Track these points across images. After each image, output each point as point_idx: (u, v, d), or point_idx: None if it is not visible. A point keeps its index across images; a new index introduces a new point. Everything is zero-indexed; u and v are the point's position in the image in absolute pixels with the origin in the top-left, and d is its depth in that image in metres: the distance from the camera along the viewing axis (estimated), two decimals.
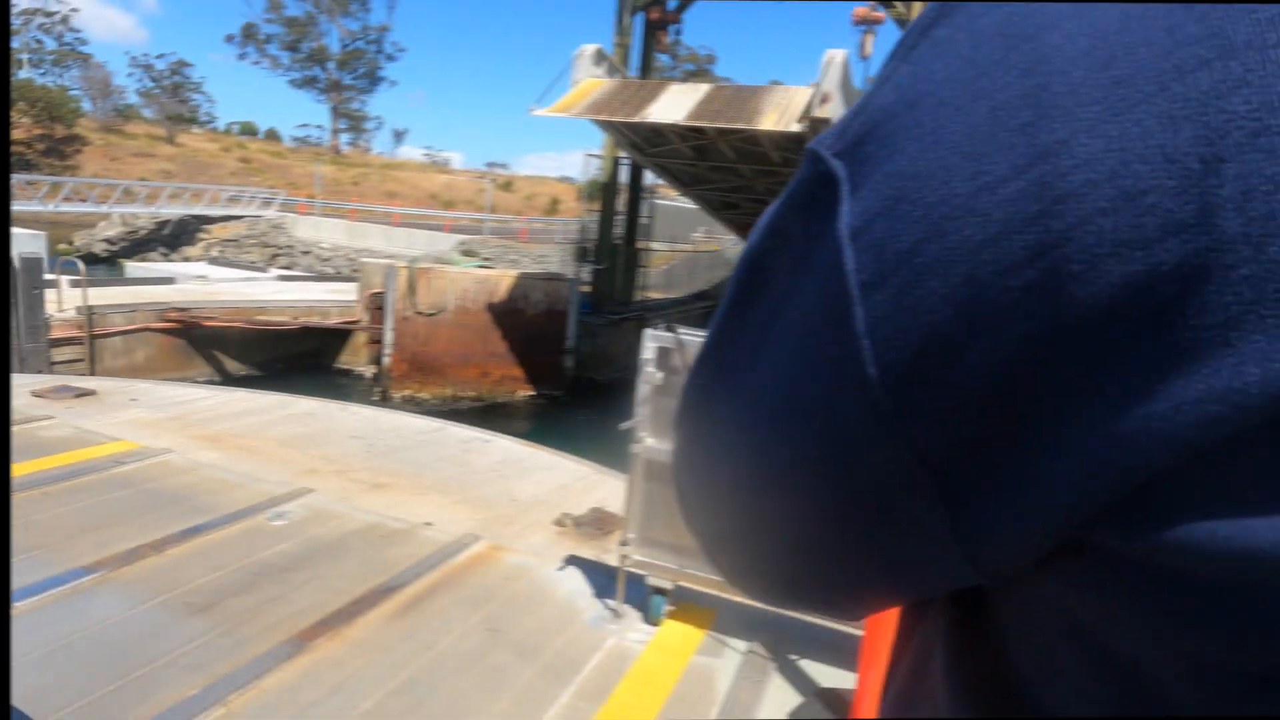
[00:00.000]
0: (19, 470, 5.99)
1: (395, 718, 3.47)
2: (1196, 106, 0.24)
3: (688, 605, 4.68)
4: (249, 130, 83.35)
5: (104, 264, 32.68)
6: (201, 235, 37.44)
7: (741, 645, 4.36)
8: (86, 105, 60.66)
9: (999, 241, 0.27)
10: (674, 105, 12.92)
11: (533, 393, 18.36)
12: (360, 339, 18.15)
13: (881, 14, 18.88)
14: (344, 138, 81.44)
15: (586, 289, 20.18)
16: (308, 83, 77.08)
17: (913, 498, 0.32)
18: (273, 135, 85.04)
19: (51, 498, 5.57)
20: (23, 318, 12.35)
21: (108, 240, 35.71)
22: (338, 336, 18.18)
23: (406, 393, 17.07)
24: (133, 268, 23.71)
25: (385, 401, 15.65)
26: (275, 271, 26.80)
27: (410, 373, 17.39)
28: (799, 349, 0.35)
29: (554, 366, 18.46)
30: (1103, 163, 0.25)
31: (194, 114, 78.56)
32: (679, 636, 4.41)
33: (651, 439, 4.13)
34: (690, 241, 37.15)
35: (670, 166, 18.09)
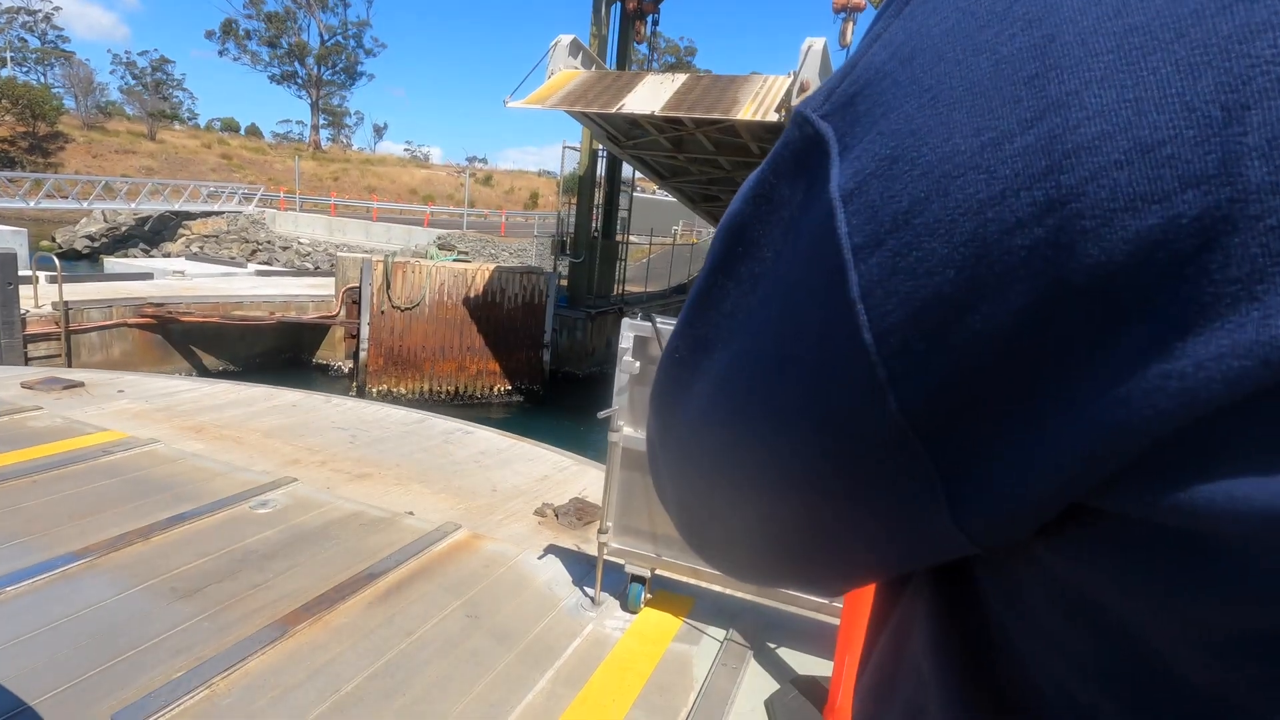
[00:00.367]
0: (8, 459, 6.04)
1: (376, 700, 3.53)
2: (1218, 52, 0.23)
3: (666, 593, 4.77)
4: (230, 126, 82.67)
5: (86, 260, 32.46)
6: (182, 231, 37.03)
7: (719, 632, 4.43)
8: (69, 103, 60.20)
9: (1005, 198, 0.26)
10: (650, 96, 12.66)
11: (510, 387, 18.26)
12: (337, 334, 18.04)
13: (862, 0, 18.72)
14: (324, 133, 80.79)
15: (564, 283, 20.00)
16: (287, 78, 76.44)
17: (904, 467, 0.31)
18: (254, 131, 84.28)
19: (41, 486, 5.62)
20: None
21: (89, 237, 35.37)
22: (315, 331, 18.07)
23: (383, 387, 17.01)
24: (111, 263, 23.35)
25: (361, 397, 15.63)
26: (253, 266, 26.50)
27: (386, 367, 17.30)
28: (785, 317, 0.34)
29: (531, 361, 18.35)
30: (1116, 114, 0.24)
31: (176, 111, 77.96)
32: (657, 624, 4.48)
33: (629, 428, 4.19)
34: (669, 234, 36.94)
35: (648, 159, 17.85)
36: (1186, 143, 0.23)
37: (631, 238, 23.71)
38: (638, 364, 4.09)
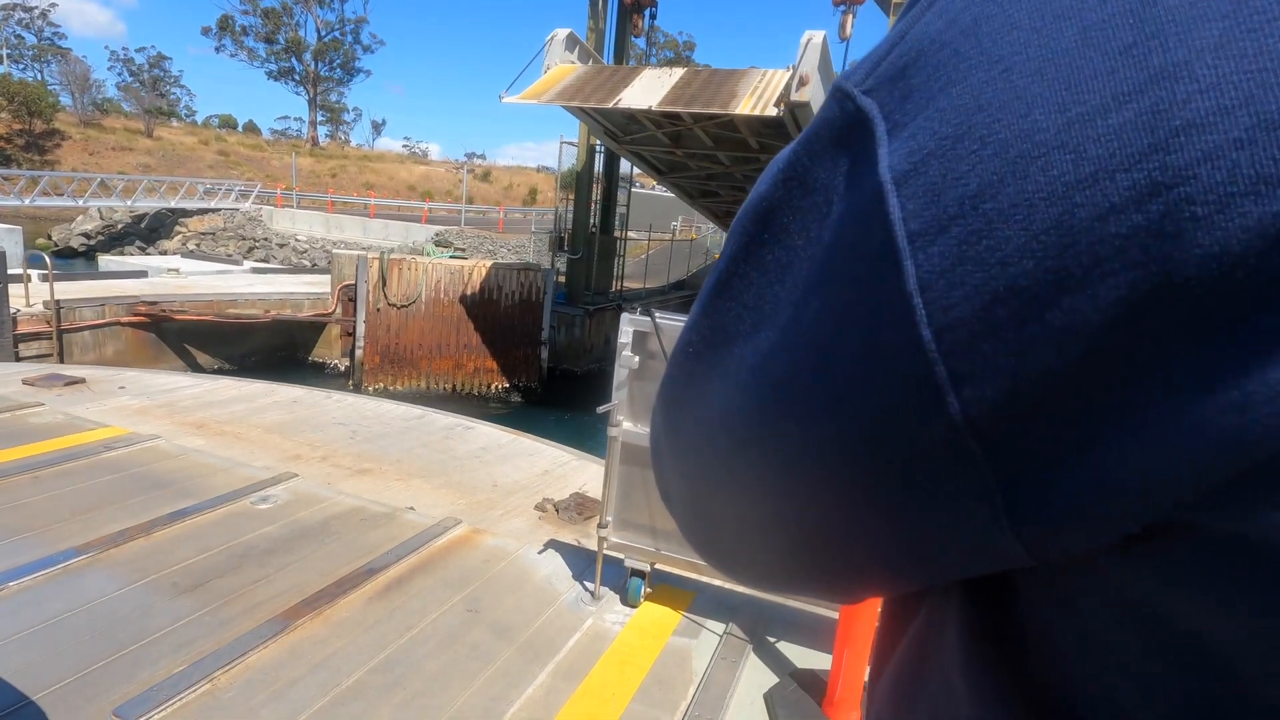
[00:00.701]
0: (11, 455, 6.06)
1: (376, 694, 3.55)
2: None
3: (666, 587, 4.78)
4: (228, 123, 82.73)
5: (82, 258, 32.47)
6: (179, 229, 36.99)
7: (719, 626, 4.44)
8: (66, 100, 60.20)
9: (1099, 181, 0.23)
10: (648, 91, 12.46)
11: (507, 385, 18.18)
12: (333, 332, 17.87)
13: None
14: (322, 130, 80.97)
15: (562, 279, 19.90)
16: (284, 75, 76.44)
17: (959, 474, 0.28)
18: (251, 128, 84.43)
19: (42, 482, 5.64)
20: None
21: (85, 234, 35.35)
22: (310, 329, 17.89)
23: (379, 385, 16.91)
24: (106, 261, 23.26)
25: (358, 394, 15.55)
26: (249, 264, 26.38)
27: (383, 365, 17.23)
28: (822, 310, 0.32)
29: (529, 358, 18.28)
30: (1236, 86, 0.22)
31: (173, 108, 78.00)
32: (657, 618, 4.50)
33: (629, 423, 4.19)
34: (668, 230, 36.87)
35: (646, 154, 17.70)
36: None
37: (630, 234, 23.60)
38: (637, 359, 4.09)
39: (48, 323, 13.28)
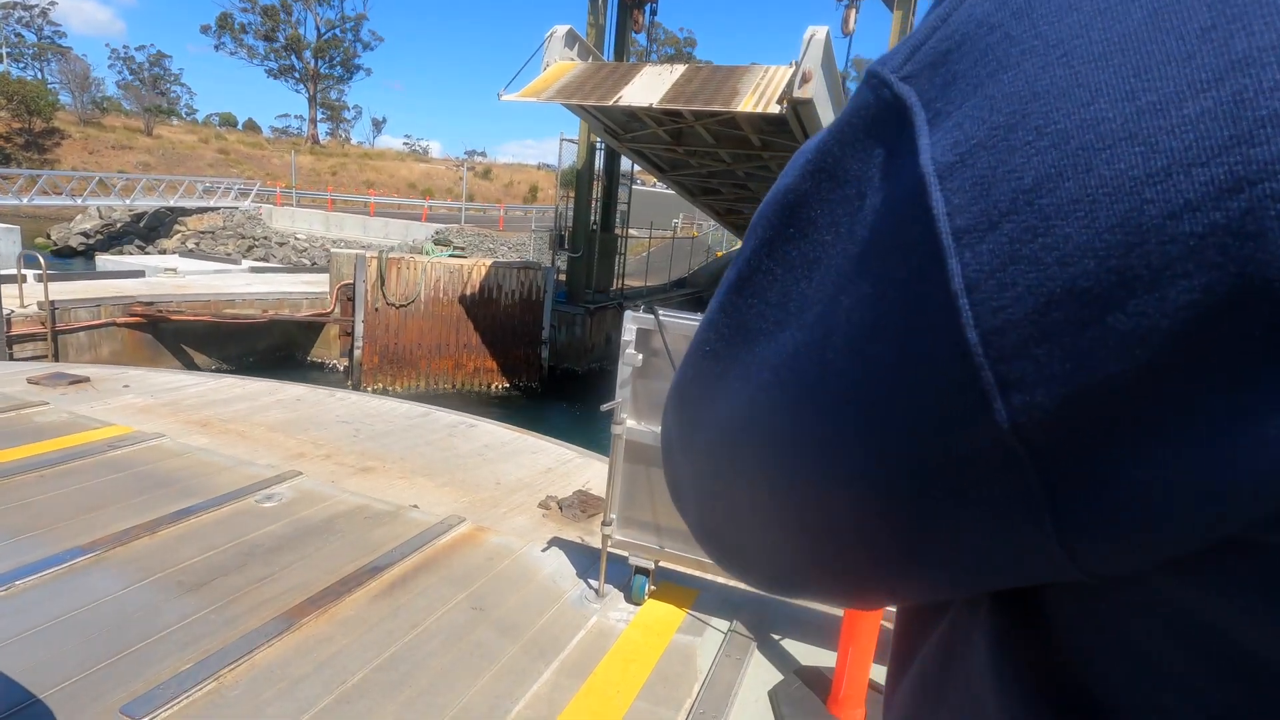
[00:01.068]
0: (16, 454, 6.08)
1: (381, 692, 3.56)
2: None
3: (670, 585, 4.78)
4: (228, 121, 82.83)
5: (81, 257, 32.43)
6: (178, 228, 36.86)
7: (723, 624, 4.45)
8: (66, 99, 60.24)
9: (1172, 175, 0.22)
10: (648, 88, 12.33)
11: (507, 384, 18.07)
12: (331, 332, 17.70)
13: None
14: (323, 128, 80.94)
15: (562, 278, 19.78)
16: (285, 72, 76.41)
17: (1005, 482, 0.27)
18: (252, 126, 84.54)
19: (48, 480, 5.65)
20: None
21: (84, 233, 35.31)
22: (309, 329, 17.71)
23: (378, 386, 16.75)
24: (103, 260, 22.89)
25: (361, 392, 15.41)
26: (248, 263, 26.11)
27: (382, 365, 17.13)
28: (856, 309, 0.30)
29: (529, 358, 18.19)
30: None
31: (173, 106, 78.09)
32: (661, 615, 4.50)
33: (633, 420, 4.19)
34: (670, 227, 36.76)
35: (647, 152, 17.60)
36: None
37: (631, 231, 23.49)
38: (640, 356, 4.08)
39: (42, 324, 13.14)
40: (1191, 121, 0.22)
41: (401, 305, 17.08)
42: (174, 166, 50.83)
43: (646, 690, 3.79)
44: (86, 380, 8.84)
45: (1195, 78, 0.22)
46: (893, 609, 0.52)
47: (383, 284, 16.83)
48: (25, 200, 31.34)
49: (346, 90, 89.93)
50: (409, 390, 16.91)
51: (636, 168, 21.08)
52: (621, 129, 15.99)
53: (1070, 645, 0.33)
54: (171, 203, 37.70)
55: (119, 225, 36.22)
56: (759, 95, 11.39)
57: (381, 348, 17.11)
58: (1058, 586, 0.33)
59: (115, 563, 4.51)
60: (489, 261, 18.34)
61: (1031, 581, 0.31)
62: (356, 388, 16.25)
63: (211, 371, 14.68)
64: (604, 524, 4.43)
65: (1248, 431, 0.22)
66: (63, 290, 14.29)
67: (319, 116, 79.25)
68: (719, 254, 36.48)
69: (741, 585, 4.74)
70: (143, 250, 33.21)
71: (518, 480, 6.75)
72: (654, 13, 20.22)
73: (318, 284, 18.84)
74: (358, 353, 17.04)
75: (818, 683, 3.81)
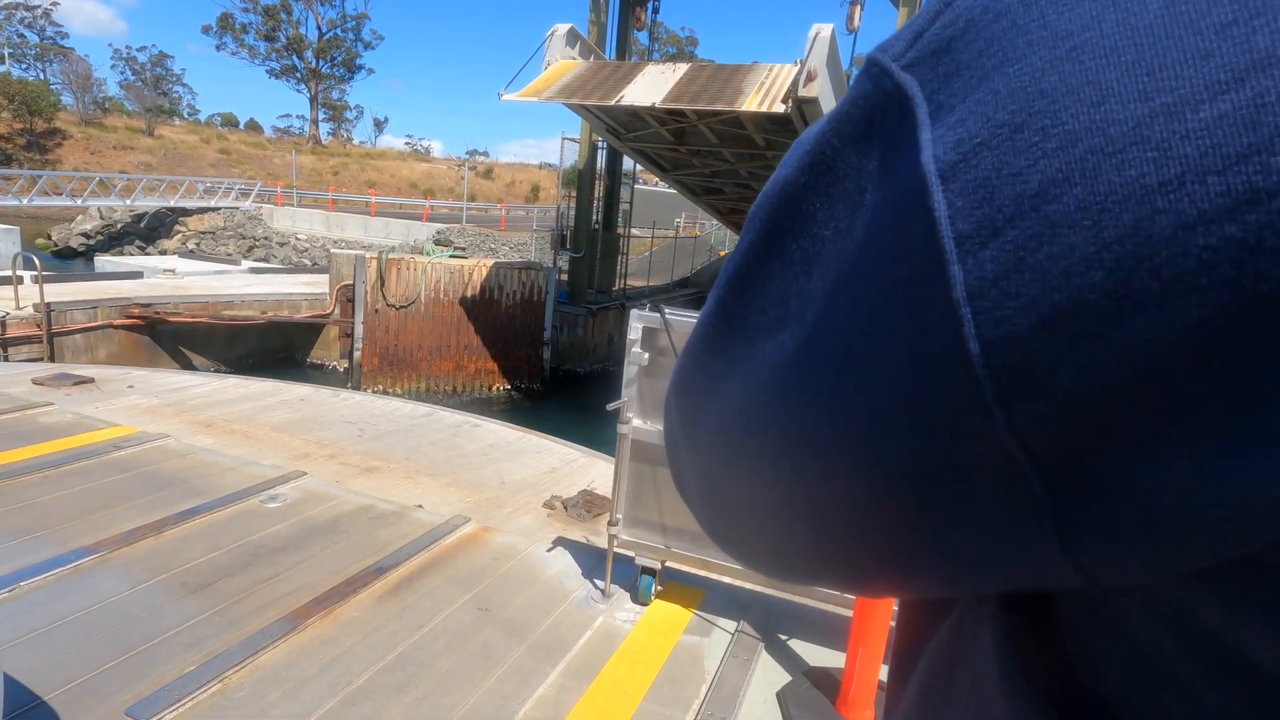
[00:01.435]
0: (20, 455, 6.08)
1: (387, 694, 3.54)
2: None
3: (676, 585, 4.77)
4: (230, 121, 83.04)
5: (81, 258, 32.45)
6: (178, 228, 36.86)
7: (730, 624, 4.43)
8: (68, 99, 60.37)
9: (1186, 184, 0.20)
10: (651, 87, 12.16)
11: (509, 386, 17.95)
12: (331, 333, 17.50)
13: None
14: (324, 127, 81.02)
15: (564, 278, 19.66)
16: (286, 72, 76.48)
17: (1007, 489, 0.26)
18: (254, 126, 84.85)
19: (52, 481, 5.65)
20: None
21: (85, 234, 35.36)
22: (308, 331, 17.50)
23: (378, 388, 16.53)
24: (102, 261, 22.68)
25: (365, 392, 15.25)
26: (247, 264, 25.92)
27: (382, 367, 17.00)
28: (855, 311, 0.29)
29: (531, 359, 18.08)
30: None
31: (175, 106, 78.27)
32: (668, 616, 4.48)
33: (639, 420, 4.18)
34: (672, 227, 36.70)
35: (649, 151, 17.43)
36: None
37: (633, 231, 23.38)
38: (646, 356, 4.08)
39: (38, 326, 12.99)
40: (1209, 126, 0.20)
41: (402, 306, 16.98)
42: (176, 167, 50.95)
43: (654, 691, 3.77)
44: (91, 381, 8.84)
45: (1213, 78, 0.20)
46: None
47: (383, 285, 16.72)
48: (25, 201, 31.37)
49: (348, 90, 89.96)
50: (409, 392, 16.72)
51: (638, 167, 20.93)
52: (624, 128, 15.88)
53: (1077, 646, 0.32)
54: (172, 203, 37.72)
55: (119, 226, 36.26)
56: (763, 94, 11.27)
57: (381, 349, 17.01)
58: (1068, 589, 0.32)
59: (120, 563, 4.50)
60: (490, 262, 18.21)
61: (1037, 587, 0.30)
62: (356, 389, 16.04)
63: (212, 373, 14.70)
64: (610, 524, 4.42)
65: (1257, 452, 0.21)
66: (59, 292, 14.17)
67: (321, 116, 79.43)
68: (721, 253, 36.45)
69: (748, 585, 4.75)
70: (143, 251, 33.20)
71: (522, 480, 6.74)
72: (656, 10, 20.09)
73: (318, 285, 18.73)
74: (357, 354, 16.94)
75: (827, 684, 3.79)
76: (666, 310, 3.99)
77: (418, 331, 17.20)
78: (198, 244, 34.36)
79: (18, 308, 12.96)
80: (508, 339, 17.80)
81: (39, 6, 70.32)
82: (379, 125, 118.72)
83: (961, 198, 0.25)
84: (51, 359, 12.82)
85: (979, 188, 0.24)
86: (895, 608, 0.48)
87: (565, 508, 6.03)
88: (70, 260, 32.22)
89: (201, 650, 3.73)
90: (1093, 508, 0.24)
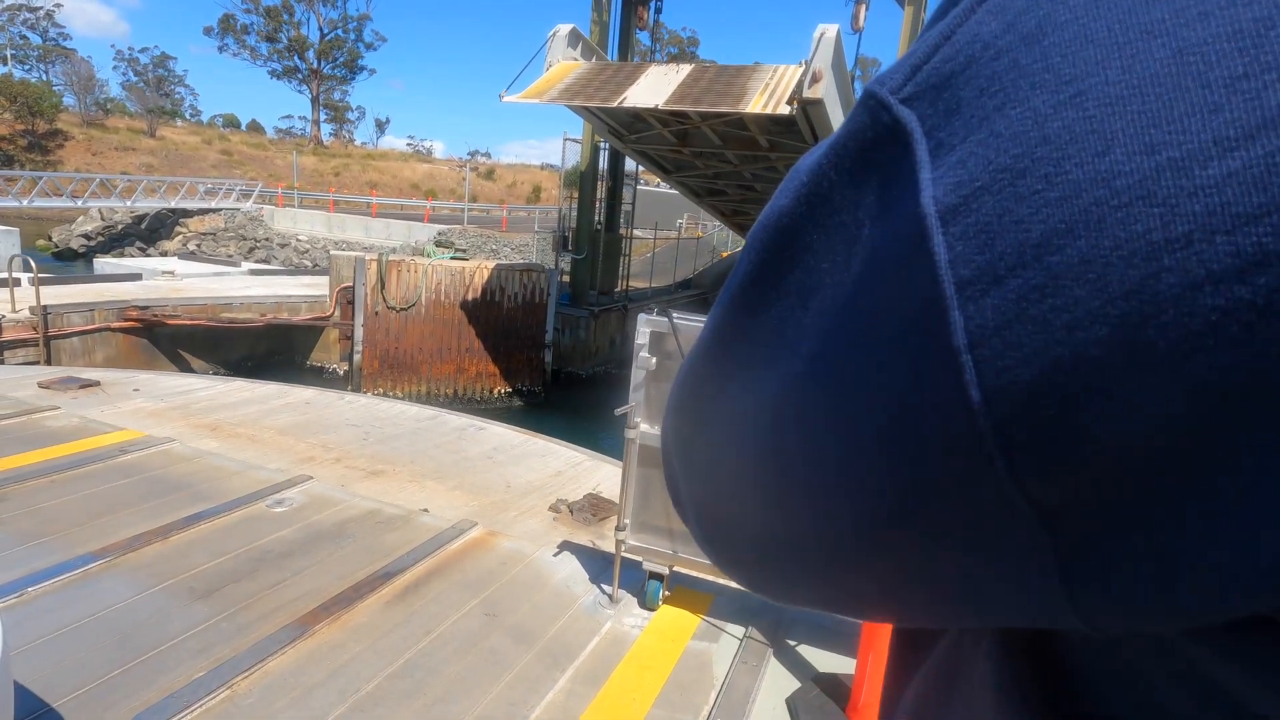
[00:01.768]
0: (28, 459, 6.08)
1: (396, 700, 3.53)
2: None
3: (684, 590, 4.75)
4: (231, 122, 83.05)
5: (82, 259, 32.31)
6: (179, 229, 36.74)
7: (738, 630, 4.41)
8: (70, 100, 60.39)
9: (1194, 243, 0.20)
10: (654, 88, 11.91)
11: (510, 389, 17.76)
12: (331, 335, 17.24)
13: None
14: (326, 128, 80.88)
15: (566, 279, 19.41)
16: (288, 73, 76.41)
17: (1010, 532, 0.25)
18: (255, 127, 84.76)
19: (59, 485, 5.65)
20: None
21: (85, 235, 35.31)
22: (308, 333, 17.25)
23: (379, 391, 16.18)
24: (101, 263, 22.55)
25: (369, 395, 15.06)
26: (247, 265, 25.68)
27: (382, 370, 16.81)
28: (853, 349, 0.28)
29: (532, 361, 17.86)
30: None
31: (177, 108, 78.30)
32: (675, 621, 4.47)
33: (646, 424, 4.17)
34: (675, 228, 36.60)
35: (652, 153, 17.16)
36: None
37: (635, 232, 23.13)
38: (654, 360, 4.08)
39: (34, 329, 12.78)
40: (1218, 183, 0.19)
41: (402, 309, 16.79)
42: (177, 168, 50.88)
43: (663, 698, 3.76)
44: (97, 384, 8.86)
45: (1222, 134, 0.19)
46: None
47: (383, 287, 16.54)
48: (26, 202, 31.33)
49: (350, 91, 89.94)
50: (410, 396, 16.56)
51: (640, 167, 20.77)
52: (626, 130, 15.74)
53: (1075, 674, 0.32)
54: (173, 204, 37.61)
55: (120, 227, 36.22)
56: (768, 96, 11.13)
57: (382, 352, 16.83)
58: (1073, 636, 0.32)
59: (128, 569, 4.50)
60: (491, 264, 18.03)
61: (1039, 627, 0.29)
62: (357, 392, 16.05)
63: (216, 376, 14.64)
64: (618, 529, 4.41)
65: (1262, 517, 0.20)
66: (57, 294, 14.03)
67: (322, 117, 79.33)
68: (724, 254, 36.37)
69: None
70: (144, 252, 33.12)
71: (528, 484, 6.73)
72: (659, 10, 19.93)
73: (318, 286, 18.56)
74: (357, 357, 16.76)
75: (836, 690, 3.77)
76: (674, 314, 3.98)
77: (418, 334, 17.03)
78: (198, 245, 34.28)
79: (14, 310, 12.82)
80: (509, 342, 17.62)
81: (42, 8, 70.46)
82: (381, 126, 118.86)
83: (962, 242, 0.24)
84: (48, 362, 12.70)
85: (980, 233, 0.23)
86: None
87: (571, 512, 6.02)
88: (71, 262, 32.18)
89: (210, 657, 3.72)
90: (1098, 559, 0.24)
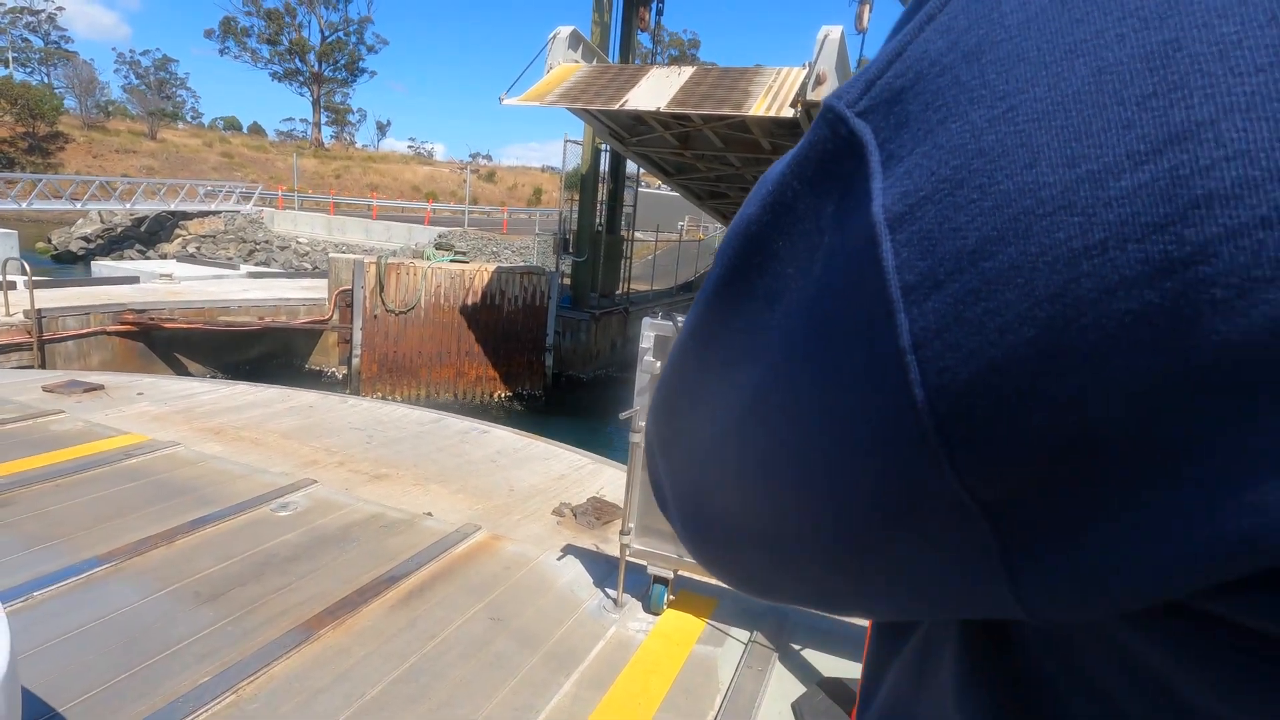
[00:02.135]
0: (32, 463, 6.09)
1: (401, 705, 3.53)
2: None
3: (689, 594, 4.75)
4: (232, 125, 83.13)
5: (81, 262, 32.28)
6: (179, 232, 36.75)
7: (743, 634, 4.41)
8: (71, 103, 60.48)
9: (1108, 251, 0.21)
10: (656, 91, 11.81)
11: (510, 393, 17.68)
12: (330, 339, 17.08)
13: None
14: (327, 131, 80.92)
15: (567, 282, 19.29)
16: (289, 76, 76.45)
17: (956, 526, 0.27)
18: (256, 130, 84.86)
19: (64, 490, 5.65)
20: None
21: (85, 238, 35.34)
22: (307, 336, 17.06)
23: (378, 395, 16.11)
24: (98, 266, 22.46)
25: (372, 399, 14.98)
26: (246, 268, 25.56)
27: (381, 374, 16.70)
28: (814, 351, 0.29)
29: (533, 365, 17.75)
30: (1267, 155, 0.19)
31: (178, 110, 78.35)
32: (680, 625, 4.47)
33: None
34: (676, 230, 36.55)
35: (653, 156, 17.07)
36: None
37: (636, 234, 22.93)
38: (659, 364, 4.07)
39: (28, 333, 12.61)
40: (1129, 195, 0.21)
41: (401, 312, 16.69)
42: (178, 170, 50.94)
43: (668, 702, 3.76)
44: (101, 388, 8.87)
45: (1134, 148, 0.21)
46: None
47: (382, 290, 16.44)
48: (25, 205, 31.32)
49: (351, 93, 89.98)
50: (409, 399, 16.42)
51: (641, 169, 20.67)
52: (627, 132, 15.62)
53: (1033, 669, 0.33)
54: (172, 206, 37.60)
55: (119, 230, 36.22)
56: (771, 98, 11.04)
57: (381, 355, 16.71)
58: (1026, 624, 0.33)
59: (132, 573, 4.50)
60: (491, 267, 17.91)
61: (989, 616, 0.31)
62: (356, 396, 15.95)
63: (220, 379, 14.57)
64: (622, 533, 4.41)
65: (1182, 509, 0.21)
66: (52, 297, 13.87)
67: (323, 120, 79.36)
68: None
69: None
70: (143, 255, 33.13)
71: (531, 487, 6.73)
72: (660, 12, 19.82)
73: (317, 289, 18.39)
74: (356, 361, 16.66)
75: (842, 694, 3.77)
76: (678, 318, 3.98)
77: (417, 337, 16.93)
78: (198, 248, 34.28)
79: (8, 314, 12.67)
80: (509, 345, 17.52)
81: (43, 11, 70.69)
82: (382, 128, 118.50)
83: (907, 249, 0.25)
84: (42, 366, 12.54)
85: (923, 240, 0.25)
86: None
87: (575, 515, 6.02)
88: (71, 264, 32.19)
89: (215, 661, 3.72)
90: (1036, 552, 0.25)
